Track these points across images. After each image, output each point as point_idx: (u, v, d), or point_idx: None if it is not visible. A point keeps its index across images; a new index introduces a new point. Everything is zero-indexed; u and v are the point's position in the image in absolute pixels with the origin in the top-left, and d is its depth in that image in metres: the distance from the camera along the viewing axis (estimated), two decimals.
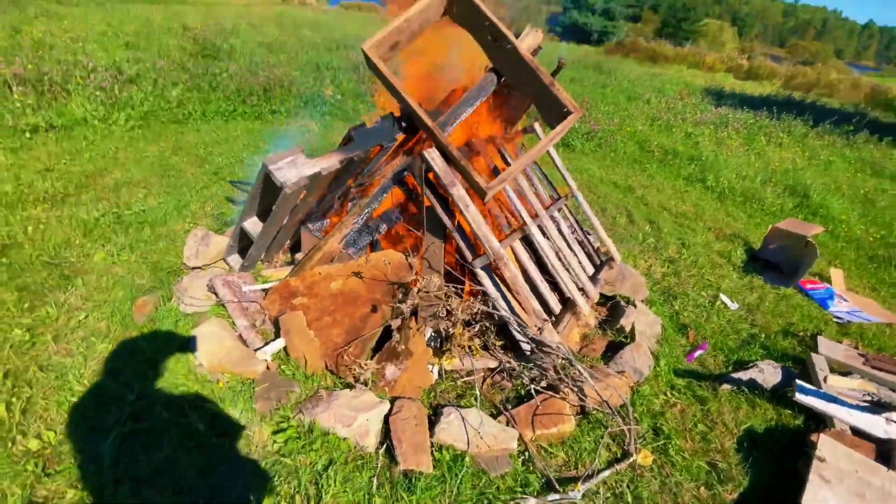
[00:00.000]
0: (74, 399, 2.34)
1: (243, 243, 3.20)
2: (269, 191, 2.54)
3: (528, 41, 2.71)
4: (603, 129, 8.67)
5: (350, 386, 2.53)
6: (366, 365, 2.55)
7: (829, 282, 4.61)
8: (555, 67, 3.32)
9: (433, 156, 2.58)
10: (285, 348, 2.69)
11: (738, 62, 26.09)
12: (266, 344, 2.68)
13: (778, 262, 4.79)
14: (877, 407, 2.78)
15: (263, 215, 2.94)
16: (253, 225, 2.95)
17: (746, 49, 46.25)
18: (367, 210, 2.99)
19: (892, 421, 2.68)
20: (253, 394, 2.46)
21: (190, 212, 4.26)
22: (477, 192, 2.62)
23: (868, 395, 2.70)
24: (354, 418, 2.28)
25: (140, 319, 2.94)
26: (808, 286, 4.44)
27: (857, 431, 2.62)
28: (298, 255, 3.42)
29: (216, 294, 2.96)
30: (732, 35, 55.85)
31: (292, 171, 2.35)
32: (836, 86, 21.93)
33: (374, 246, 3.25)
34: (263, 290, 3.06)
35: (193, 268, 3.43)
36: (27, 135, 5.51)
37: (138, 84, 7.35)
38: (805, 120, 11.28)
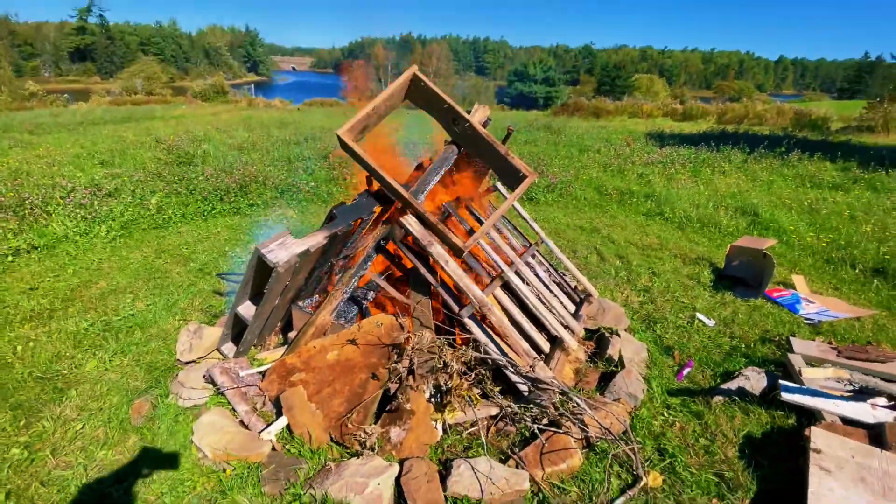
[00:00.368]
0: None
1: (237, 329, 3.29)
2: (261, 273, 2.71)
3: (478, 115, 3.11)
4: (561, 180, 9.31)
5: (357, 454, 2.54)
6: (371, 430, 2.59)
7: (794, 287, 4.92)
8: (505, 134, 3.76)
9: (410, 221, 2.84)
10: (288, 426, 2.71)
11: (673, 107, 28.71)
12: (269, 425, 2.70)
13: (743, 276, 5.11)
14: (861, 395, 2.94)
15: (256, 299, 3.08)
16: (246, 309, 3.07)
17: (678, 95, 50.99)
18: (353, 280, 3.16)
19: (878, 406, 2.83)
20: (260, 477, 2.45)
21: (179, 309, 4.34)
22: (455, 251, 2.86)
23: (844, 381, 2.86)
24: (366, 485, 2.29)
25: (138, 421, 2.93)
26: (775, 294, 4.72)
27: (846, 420, 2.75)
28: (291, 335, 3.50)
29: (214, 383, 3.00)
30: (663, 85, 61.77)
31: (283, 251, 2.54)
32: (764, 115, 24.26)
33: (363, 314, 3.39)
34: (260, 372, 3.12)
35: (188, 362, 3.47)
36: (9, 258, 5.59)
37: (117, 197, 7.63)
38: (741, 148, 12.39)
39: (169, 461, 2.61)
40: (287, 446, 2.65)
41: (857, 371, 2.90)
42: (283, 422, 2.67)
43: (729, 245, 5.50)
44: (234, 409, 2.88)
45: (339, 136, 2.44)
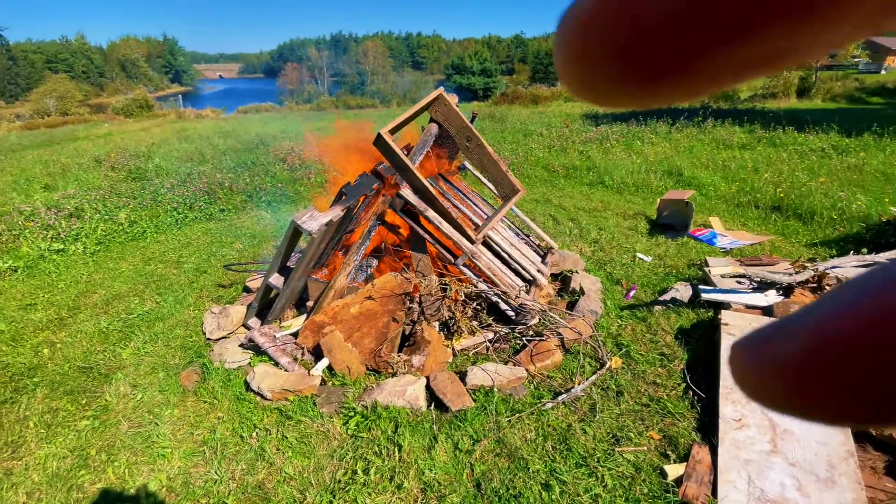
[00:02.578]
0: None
1: (264, 302, 3.80)
2: (294, 243, 3.26)
3: (453, 100, 3.81)
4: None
5: (393, 375, 3.19)
6: (398, 357, 3.24)
7: (711, 227, 6.02)
8: (471, 117, 4.47)
9: (407, 192, 3.49)
10: (329, 367, 3.30)
11: None
12: (315, 366, 3.28)
13: (672, 223, 6.16)
14: (759, 289, 3.93)
15: (283, 271, 3.62)
16: (276, 279, 3.60)
17: None
18: (361, 248, 3.78)
19: (767, 295, 3.83)
20: (315, 402, 3.04)
21: (191, 302, 4.73)
22: (469, 240, 3.55)
23: (745, 281, 3.85)
24: (405, 391, 2.95)
25: (191, 386, 3.40)
26: (697, 233, 5.79)
27: (748, 306, 3.72)
28: (308, 304, 4.06)
29: (256, 345, 3.52)
30: None
31: (314, 222, 3.11)
32: None
33: (368, 280, 4.00)
34: (292, 334, 3.67)
35: (218, 339, 3.94)
36: None
37: (81, 216, 7.64)
38: (665, 121, 13.88)
39: (231, 408, 3.13)
40: (332, 381, 3.25)
41: (752, 273, 3.89)
42: (325, 362, 3.26)
43: (659, 199, 6.55)
44: (276, 363, 3.43)
45: (380, 134, 3.06)
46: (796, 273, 3.85)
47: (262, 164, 11.55)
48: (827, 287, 3.70)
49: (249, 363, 3.53)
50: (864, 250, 4.51)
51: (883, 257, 4.09)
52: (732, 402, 2.68)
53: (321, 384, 3.21)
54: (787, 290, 3.85)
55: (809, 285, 3.75)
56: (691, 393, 2.95)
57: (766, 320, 2.71)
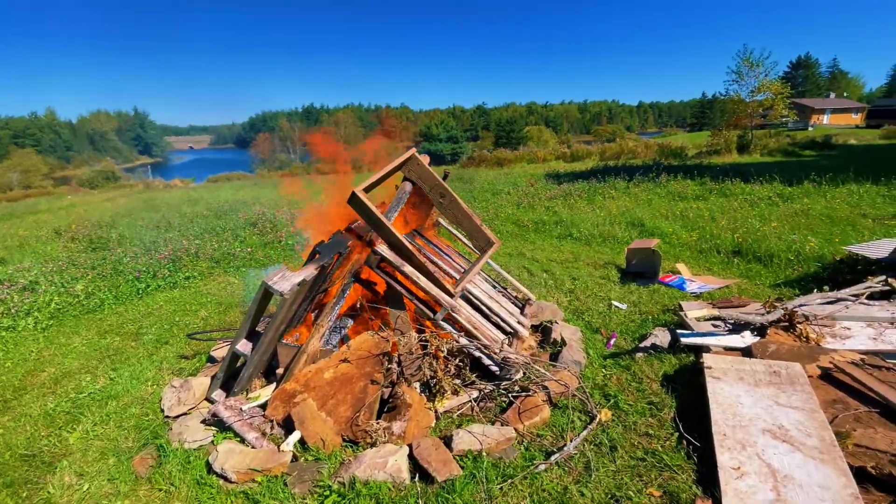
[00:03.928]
0: None
1: (229, 372, 3.55)
2: (263, 306, 3.10)
3: (426, 160, 3.91)
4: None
5: (372, 445, 2.95)
6: (377, 424, 3.02)
7: (679, 273, 6.19)
8: (443, 175, 4.59)
9: (383, 249, 3.45)
10: (301, 439, 3.03)
11: (562, 150, 32.66)
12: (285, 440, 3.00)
13: (641, 270, 6.31)
14: (735, 331, 3.98)
15: (252, 336, 3.41)
16: (244, 346, 3.38)
17: (564, 140, 57.84)
18: (336, 308, 3.64)
19: (744, 336, 3.87)
20: (287, 482, 2.74)
21: (149, 377, 4.36)
22: (447, 294, 3.50)
23: (720, 324, 3.89)
24: (385, 463, 2.71)
25: (145, 472, 3.03)
26: (667, 279, 5.93)
27: (727, 348, 3.73)
28: (278, 371, 3.81)
29: (220, 420, 3.22)
30: (550, 133, 69.60)
31: (285, 282, 2.99)
32: (635, 150, 28.57)
33: (343, 341, 3.83)
34: (260, 405, 3.39)
35: (178, 416, 3.60)
36: None
37: (35, 290, 7.18)
38: (623, 178, 14.73)
39: (189, 496, 2.78)
40: (304, 456, 2.97)
41: (727, 315, 3.95)
42: (297, 435, 2.99)
43: (626, 248, 6.75)
44: (242, 439, 3.12)
45: (354, 192, 3.06)
46: (767, 313, 3.94)
47: (231, 230, 11.37)
48: (798, 325, 3.78)
49: (212, 441, 3.21)
50: (826, 287, 4.69)
51: (845, 293, 4.26)
52: (728, 448, 2.59)
53: (293, 460, 2.92)
54: (761, 330, 3.92)
55: (781, 324, 3.82)
56: (685, 442, 2.84)
57: (746, 361, 2.70)
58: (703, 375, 3.25)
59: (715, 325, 4.13)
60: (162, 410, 3.69)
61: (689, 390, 3.38)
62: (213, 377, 3.70)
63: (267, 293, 3.03)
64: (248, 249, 9.39)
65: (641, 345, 4.06)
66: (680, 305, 4.74)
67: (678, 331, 3.90)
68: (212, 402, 3.67)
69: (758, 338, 3.81)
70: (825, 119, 47.83)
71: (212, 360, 4.50)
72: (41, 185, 42.16)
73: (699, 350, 3.82)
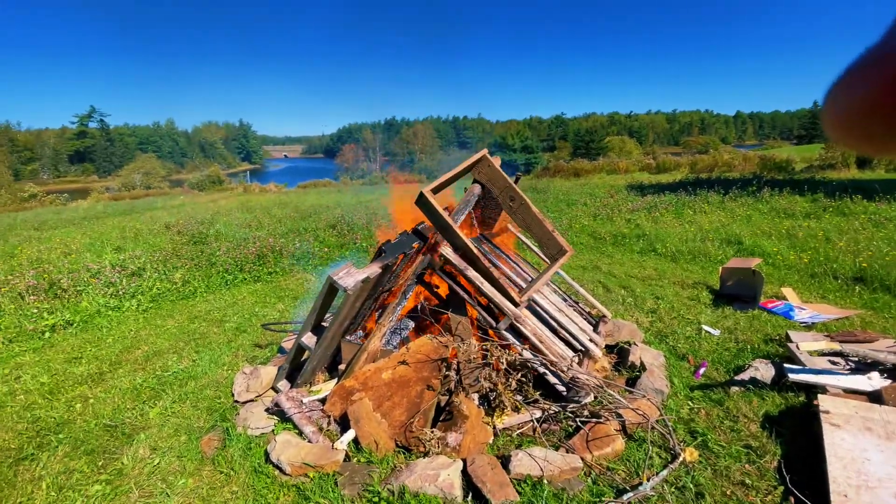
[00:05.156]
0: None
1: (295, 363, 3.62)
2: (329, 300, 3.12)
3: (497, 162, 3.75)
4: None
5: (425, 454, 2.81)
6: (432, 433, 2.88)
7: (785, 299, 5.38)
8: (515, 178, 4.39)
9: (448, 251, 3.34)
10: (355, 440, 2.98)
11: (647, 161, 30.68)
12: (341, 437, 2.96)
13: (738, 293, 5.58)
14: (858, 371, 3.31)
15: (316, 331, 3.45)
16: (309, 339, 3.43)
17: (649, 152, 54.54)
18: (398, 309, 3.58)
19: (871, 377, 3.20)
20: (337, 482, 2.69)
21: (225, 362, 4.63)
22: (513, 303, 3.31)
23: (840, 362, 3.24)
24: (437, 476, 2.55)
25: (210, 453, 3.15)
26: (770, 305, 5.17)
27: (848, 391, 3.10)
28: (341, 367, 3.82)
29: (281, 410, 3.27)
30: (634, 144, 66.04)
31: (350, 278, 2.98)
32: (731, 162, 26.02)
33: (404, 343, 3.75)
34: (320, 399, 3.41)
35: (246, 401, 3.74)
36: (47, 335, 5.88)
37: (141, 275, 8.06)
38: (717, 191, 13.39)
39: (247, 482, 2.83)
40: (357, 457, 2.91)
41: (852, 350, 3.29)
42: (352, 433, 2.94)
43: (721, 268, 6.02)
44: (300, 432, 3.14)
45: (422, 193, 3.02)
46: None
47: (312, 231, 12.03)
48: None
49: (273, 430, 3.27)
50: None
51: None
52: None
53: (345, 460, 2.87)
54: (893, 372, 3.21)
55: None
56: (793, 499, 2.35)
57: (874, 408, 2.17)
58: (819, 421, 2.70)
59: (833, 363, 3.46)
60: (232, 395, 3.86)
61: (797, 437, 2.83)
62: (279, 367, 3.81)
63: (332, 288, 3.04)
64: (326, 249, 9.84)
65: (738, 377, 3.51)
66: (788, 336, 4.06)
67: (786, 365, 3.31)
68: (277, 391, 3.77)
69: (889, 381, 3.12)
70: None
71: (282, 350, 4.67)
72: (159, 186, 48.18)
73: (812, 390, 3.22)
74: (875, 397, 2.93)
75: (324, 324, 3.57)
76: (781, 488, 2.45)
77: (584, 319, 4.42)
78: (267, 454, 2.96)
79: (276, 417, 3.39)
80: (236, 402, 3.77)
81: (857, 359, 3.35)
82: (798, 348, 3.48)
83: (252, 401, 3.72)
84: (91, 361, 4.93)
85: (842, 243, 7.40)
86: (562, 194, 17.33)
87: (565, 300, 4.58)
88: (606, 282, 6.60)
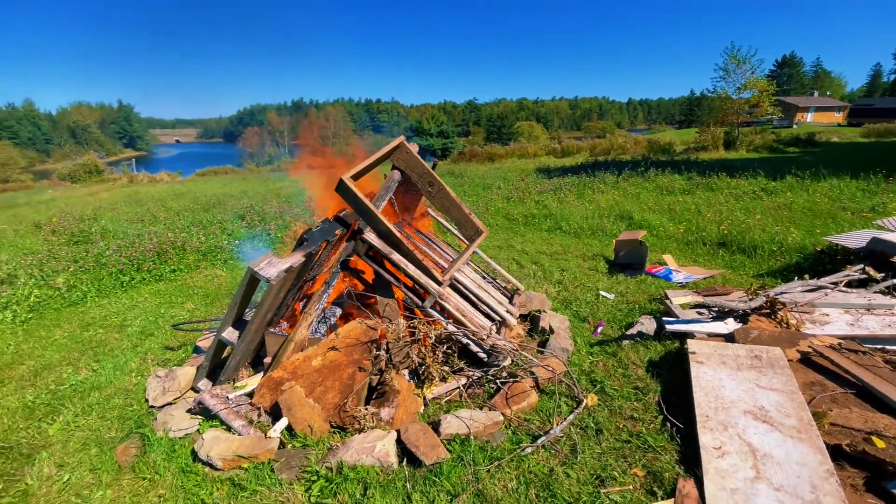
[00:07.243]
0: None
1: (216, 361, 3.51)
2: (250, 293, 3.07)
3: (414, 148, 3.89)
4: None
5: (360, 431, 2.94)
6: (365, 410, 3.02)
7: (665, 264, 6.27)
8: (432, 165, 4.58)
9: (371, 237, 3.44)
10: (289, 426, 3.02)
11: (553, 146, 32.73)
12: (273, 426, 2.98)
13: (629, 262, 6.37)
14: (718, 318, 4.04)
15: (238, 324, 3.37)
16: (230, 334, 3.34)
17: (555, 136, 58.05)
18: (323, 297, 3.62)
19: (727, 323, 3.93)
20: (273, 468, 2.73)
21: (132, 368, 4.30)
22: (436, 282, 3.49)
23: (705, 311, 3.95)
24: (374, 447, 2.71)
25: (128, 461, 2.99)
26: (653, 270, 6.00)
27: (711, 334, 3.79)
28: (266, 360, 3.78)
29: (206, 409, 3.19)
30: (541, 129, 69.78)
31: (272, 268, 2.96)
32: (624, 146, 28.79)
33: (331, 330, 3.81)
34: (247, 394, 3.37)
35: (162, 406, 3.56)
36: None
37: (13, 283, 7.02)
38: (612, 172, 14.84)
39: (175, 483, 2.75)
40: (291, 442, 2.95)
41: (711, 302, 4.02)
42: (284, 421, 2.97)
43: (614, 240, 6.81)
44: (229, 427, 3.10)
45: (342, 179, 3.03)
46: (750, 300, 4.01)
47: (218, 223, 11.23)
48: (779, 311, 3.86)
49: (198, 430, 3.18)
50: (807, 276, 4.79)
51: (824, 281, 4.35)
52: (710, 429, 2.64)
53: (280, 447, 2.91)
54: (743, 317, 3.99)
55: (763, 311, 3.89)
56: (669, 425, 2.89)
57: (728, 346, 2.74)
58: (688, 360, 3.30)
59: (699, 313, 4.19)
60: (146, 400, 3.64)
61: (673, 375, 3.43)
62: (198, 367, 3.66)
63: (253, 279, 3.00)
64: (236, 242, 9.28)
65: (628, 332, 4.10)
66: (666, 294, 4.80)
67: (664, 318, 3.96)
68: (197, 391, 3.63)
69: (740, 324, 3.88)
70: (809, 117, 48.62)
71: (198, 350, 4.45)
72: (19, 179, 41.12)
73: (684, 337, 3.88)
74: (730, 338, 3.64)
75: (245, 317, 3.50)
76: (660, 417, 2.98)
77: (501, 293, 4.80)
78: (195, 453, 2.89)
79: (200, 417, 3.29)
80: (152, 406, 3.57)
81: (716, 309, 4.09)
82: (672, 304, 4.16)
83: (170, 404, 3.55)
84: None
85: (709, 214, 8.71)
86: (478, 178, 17.96)
87: (484, 277, 4.92)
88: (519, 258, 7.13)
